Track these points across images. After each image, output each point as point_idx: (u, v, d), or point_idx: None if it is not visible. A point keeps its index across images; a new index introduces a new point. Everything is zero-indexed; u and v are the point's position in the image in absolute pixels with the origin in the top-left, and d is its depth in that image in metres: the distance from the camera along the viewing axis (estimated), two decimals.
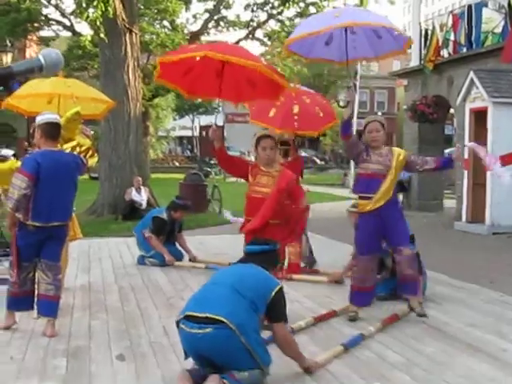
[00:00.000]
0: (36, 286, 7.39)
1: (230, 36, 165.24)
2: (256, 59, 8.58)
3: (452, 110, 21.56)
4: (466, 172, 17.59)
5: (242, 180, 9.65)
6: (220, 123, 45.92)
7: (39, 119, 7.38)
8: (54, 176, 7.13)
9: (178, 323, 5.49)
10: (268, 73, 8.32)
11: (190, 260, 11.90)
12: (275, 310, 5.55)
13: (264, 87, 8.81)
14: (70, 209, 7.54)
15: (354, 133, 8.40)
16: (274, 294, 5.52)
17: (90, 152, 8.44)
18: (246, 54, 8.59)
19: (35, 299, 7.38)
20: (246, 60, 8.13)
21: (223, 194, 23.34)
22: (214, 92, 8.87)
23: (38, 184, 7.08)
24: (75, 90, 9.93)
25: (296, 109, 10.73)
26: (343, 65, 8.93)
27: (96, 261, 12.21)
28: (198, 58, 8.54)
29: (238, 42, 31.10)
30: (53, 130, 7.33)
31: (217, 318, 5.20)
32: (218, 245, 13.36)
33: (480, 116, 17.16)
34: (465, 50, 20.19)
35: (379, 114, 70.90)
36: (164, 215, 11.70)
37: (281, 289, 5.63)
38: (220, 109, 56.14)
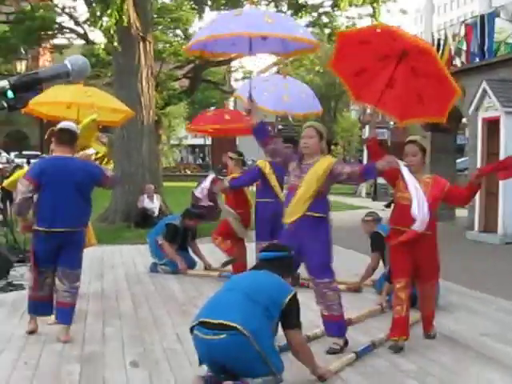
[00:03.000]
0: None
1: None
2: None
3: (464, 120, 21.53)
4: None
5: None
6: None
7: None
8: (58, 182, 7.17)
9: (191, 329, 5.52)
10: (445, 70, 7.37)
11: (204, 268, 11.94)
12: (289, 316, 5.56)
13: (431, 100, 7.64)
14: (77, 215, 7.36)
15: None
16: (287, 300, 5.53)
17: (106, 159, 8.48)
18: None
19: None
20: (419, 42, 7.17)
21: None
22: (380, 102, 7.63)
23: (41, 189, 7.18)
24: (96, 100, 10.01)
25: None
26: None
27: (109, 268, 12.27)
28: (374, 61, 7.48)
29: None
30: (63, 136, 7.39)
31: (231, 324, 5.22)
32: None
33: (492, 126, 17.15)
34: (477, 59, 20.19)
35: (391, 123, 70.78)
36: (177, 222, 11.74)
37: (295, 295, 5.64)
38: None
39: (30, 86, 3.32)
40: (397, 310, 7.08)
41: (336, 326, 7.02)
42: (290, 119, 13.02)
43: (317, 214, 6.93)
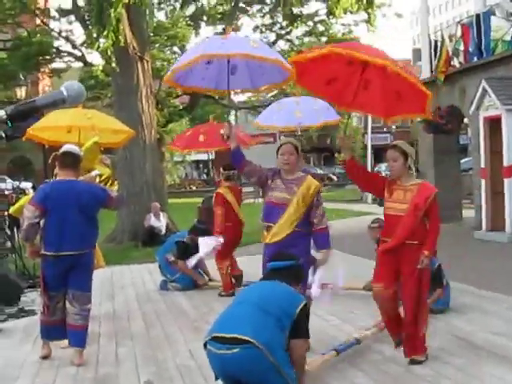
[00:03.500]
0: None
1: None
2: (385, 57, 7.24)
3: (466, 120, 21.50)
4: (483, 181, 17.53)
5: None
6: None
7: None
8: (63, 205, 7.19)
9: (205, 345, 5.53)
10: (408, 77, 7.15)
11: (209, 280, 12.08)
12: (299, 326, 5.57)
13: (410, 98, 7.46)
14: (84, 237, 7.37)
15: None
16: (299, 310, 5.54)
17: (110, 181, 8.50)
18: (377, 52, 7.35)
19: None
20: (373, 58, 7.03)
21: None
22: (362, 105, 7.94)
23: (47, 214, 7.19)
24: (96, 122, 10.03)
25: None
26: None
27: (119, 288, 12.29)
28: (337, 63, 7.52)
29: None
30: (66, 159, 7.43)
31: (243, 338, 5.22)
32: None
33: (494, 124, 17.13)
34: (475, 59, 20.17)
35: (393, 127, 70.78)
36: (186, 239, 11.75)
37: (306, 305, 5.66)
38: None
39: (28, 114, 3.34)
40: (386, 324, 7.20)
41: None
42: (299, 132, 13.08)
43: (301, 230, 7.20)
